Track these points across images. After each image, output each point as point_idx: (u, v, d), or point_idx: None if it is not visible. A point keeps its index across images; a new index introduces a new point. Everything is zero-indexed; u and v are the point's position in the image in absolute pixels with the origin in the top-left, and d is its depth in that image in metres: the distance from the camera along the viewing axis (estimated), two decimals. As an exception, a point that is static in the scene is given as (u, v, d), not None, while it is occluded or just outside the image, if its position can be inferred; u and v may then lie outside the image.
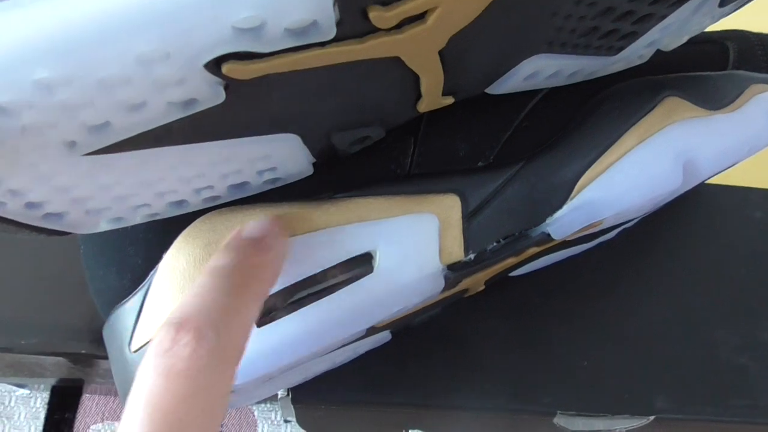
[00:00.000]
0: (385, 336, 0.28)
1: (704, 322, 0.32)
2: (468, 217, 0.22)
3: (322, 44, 0.15)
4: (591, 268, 0.32)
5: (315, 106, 0.18)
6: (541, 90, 0.23)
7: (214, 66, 0.14)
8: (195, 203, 0.21)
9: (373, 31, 0.15)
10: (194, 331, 0.16)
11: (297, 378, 0.27)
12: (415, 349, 0.29)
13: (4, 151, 0.14)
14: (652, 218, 0.32)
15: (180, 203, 0.21)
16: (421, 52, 0.17)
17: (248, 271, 0.18)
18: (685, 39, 0.24)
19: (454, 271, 0.21)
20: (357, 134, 0.20)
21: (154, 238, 0.22)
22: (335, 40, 0.15)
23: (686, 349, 0.32)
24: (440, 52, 0.17)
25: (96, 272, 0.23)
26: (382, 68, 0.17)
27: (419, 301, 0.22)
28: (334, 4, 0.14)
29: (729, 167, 0.25)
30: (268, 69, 0.15)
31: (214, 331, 0.16)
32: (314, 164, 0.22)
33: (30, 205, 0.17)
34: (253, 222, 0.20)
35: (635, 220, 0.31)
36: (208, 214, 0.22)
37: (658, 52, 0.24)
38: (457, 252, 0.22)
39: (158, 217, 0.21)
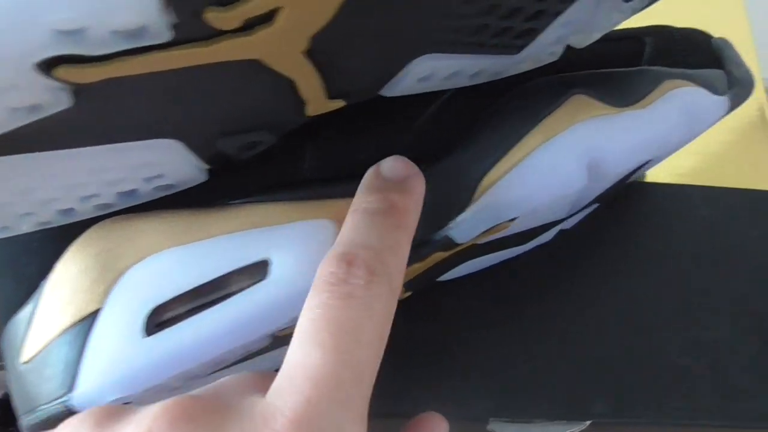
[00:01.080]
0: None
1: (646, 323, 0.32)
2: (368, 221, 0.21)
3: (162, 47, 0.14)
4: (527, 271, 0.31)
5: (184, 111, 0.17)
6: (446, 91, 0.22)
7: (46, 69, 0.14)
8: (84, 211, 0.20)
9: (218, 33, 0.15)
10: (366, 266, 0.17)
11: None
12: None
13: None
14: (593, 218, 0.32)
15: (68, 211, 0.20)
16: (281, 53, 0.16)
17: (400, 213, 0.19)
18: (596, 36, 0.23)
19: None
20: (244, 140, 0.20)
21: (48, 247, 0.22)
22: (175, 43, 0.14)
23: (626, 351, 0.31)
24: (308, 54, 0.17)
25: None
26: (244, 71, 0.16)
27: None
28: (162, 7, 0.13)
29: (643, 165, 0.24)
30: (109, 72, 0.14)
31: (382, 266, 0.17)
32: (209, 170, 0.21)
33: None
34: (390, 161, 0.20)
35: (571, 221, 0.31)
36: (101, 223, 0.21)
37: (572, 49, 0.24)
38: (356, 258, 0.21)
39: (49, 226, 0.21)
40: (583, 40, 0.23)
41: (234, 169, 0.21)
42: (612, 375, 0.31)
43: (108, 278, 0.21)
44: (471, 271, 0.30)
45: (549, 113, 0.22)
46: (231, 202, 0.21)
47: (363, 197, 0.19)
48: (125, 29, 0.13)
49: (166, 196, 0.21)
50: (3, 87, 0.14)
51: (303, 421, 0.14)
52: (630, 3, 0.22)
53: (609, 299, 0.32)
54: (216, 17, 0.14)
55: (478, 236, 0.22)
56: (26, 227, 0.20)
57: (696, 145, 0.32)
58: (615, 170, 0.22)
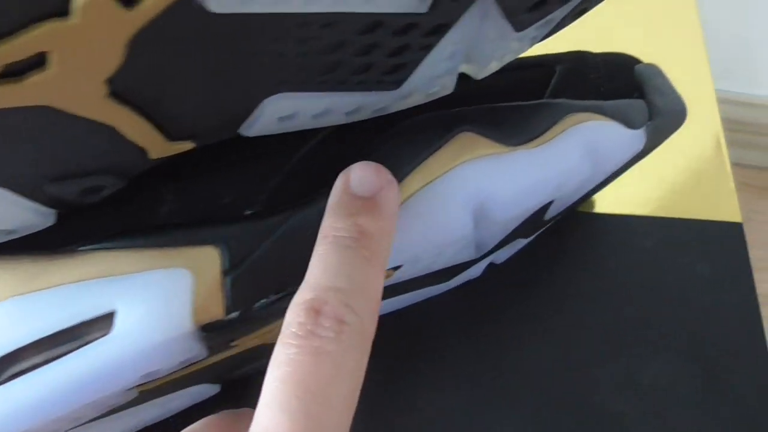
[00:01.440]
0: (209, 388, 0.26)
1: (578, 363, 0.30)
2: (231, 271, 0.19)
3: None
4: (454, 307, 0.29)
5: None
6: (323, 129, 0.21)
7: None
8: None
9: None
10: (334, 315, 0.16)
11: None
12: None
13: None
14: (528, 250, 0.30)
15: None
16: (76, 99, 0.14)
17: (371, 241, 0.18)
18: (494, 66, 0.21)
19: (212, 332, 0.19)
20: (82, 184, 0.18)
21: None
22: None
23: (559, 392, 0.29)
24: (114, 98, 0.15)
25: None
26: (40, 117, 0.15)
27: (174, 364, 0.19)
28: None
29: (545, 206, 0.22)
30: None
31: (353, 312, 0.16)
32: (58, 213, 0.19)
33: None
34: (359, 170, 0.18)
35: (502, 256, 0.29)
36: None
37: (470, 80, 0.22)
38: (215, 311, 0.19)
39: None
40: (479, 70, 0.22)
41: (85, 212, 0.20)
42: (543, 417, 0.29)
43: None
44: (392, 309, 0.28)
45: (431, 153, 0.20)
46: (80, 248, 0.19)
47: (331, 222, 0.18)
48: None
49: (12, 240, 0.19)
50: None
51: None
52: (525, 32, 0.20)
53: (539, 337, 0.30)
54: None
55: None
56: None
57: (645, 172, 0.30)
58: (505, 215, 0.20)
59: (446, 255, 0.21)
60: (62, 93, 0.14)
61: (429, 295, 0.29)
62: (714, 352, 0.30)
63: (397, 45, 0.17)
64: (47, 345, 0.19)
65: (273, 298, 0.20)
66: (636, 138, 0.23)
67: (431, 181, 0.20)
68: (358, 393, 0.16)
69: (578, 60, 0.24)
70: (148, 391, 0.22)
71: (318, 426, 0.15)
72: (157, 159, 0.18)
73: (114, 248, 0.19)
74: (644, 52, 0.26)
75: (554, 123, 0.21)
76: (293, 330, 0.16)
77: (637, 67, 0.25)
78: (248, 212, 0.20)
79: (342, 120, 0.20)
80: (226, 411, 0.20)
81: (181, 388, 0.23)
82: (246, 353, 0.23)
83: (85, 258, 0.19)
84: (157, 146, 0.18)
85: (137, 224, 0.20)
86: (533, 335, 0.30)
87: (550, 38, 0.21)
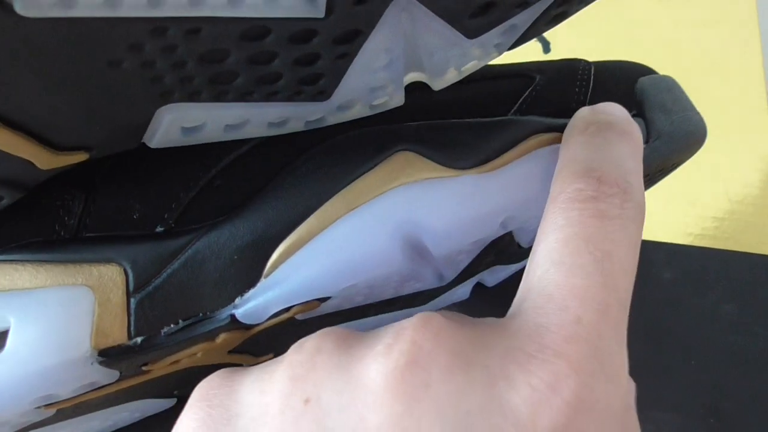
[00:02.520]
0: (160, 402, 0.25)
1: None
2: (136, 292, 0.18)
3: None
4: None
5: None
6: (248, 141, 0.19)
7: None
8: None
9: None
10: (618, 184, 0.15)
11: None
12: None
13: None
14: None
15: None
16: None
17: (637, 142, 0.17)
18: (452, 74, 0.19)
19: (111, 356, 0.18)
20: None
21: None
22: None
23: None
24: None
25: None
26: None
27: (74, 388, 0.18)
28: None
29: (495, 239, 0.19)
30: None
31: (632, 188, 0.16)
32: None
33: None
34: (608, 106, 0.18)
35: (492, 279, 0.26)
36: None
37: (430, 92, 0.19)
38: (118, 335, 0.18)
39: None
40: (435, 80, 0.19)
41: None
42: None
43: None
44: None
45: (362, 174, 0.18)
46: (-19, 258, 0.18)
47: (588, 116, 0.17)
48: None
49: None
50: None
51: (577, 340, 0.13)
52: (482, 39, 0.17)
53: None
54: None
55: (282, 315, 0.18)
56: None
57: (670, 194, 0.26)
58: (442, 250, 0.18)
59: (393, 286, 0.19)
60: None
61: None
62: (736, 407, 0.26)
63: (300, 53, 0.15)
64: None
65: (182, 324, 0.18)
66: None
67: (357, 207, 0.17)
68: (635, 270, 0.15)
69: (564, 69, 0.21)
70: (69, 408, 0.20)
71: (613, 285, 0.14)
72: (50, 170, 0.17)
73: (14, 261, 0.18)
74: (693, 57, 0.23)
75: (514, 144, 0.18)
76: (570, 195, 0.15)
77: (641, 80, 0.21)
78: (159, 229, 0.18)
79: (265, 132, 0.18)
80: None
81: (115, 404, 0.22)
82: (184, 372, 0.21)
83: (-16, 269, 0.18)
84: (43, 158, 0.16)
85: (40, 237, 0.18)
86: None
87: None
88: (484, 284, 0.26)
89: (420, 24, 0.16)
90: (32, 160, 0.16)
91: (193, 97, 0.16)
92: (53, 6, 0.12)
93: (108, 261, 0.18)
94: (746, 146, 0.31)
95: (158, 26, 0.13)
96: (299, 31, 0.14)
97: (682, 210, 0.30)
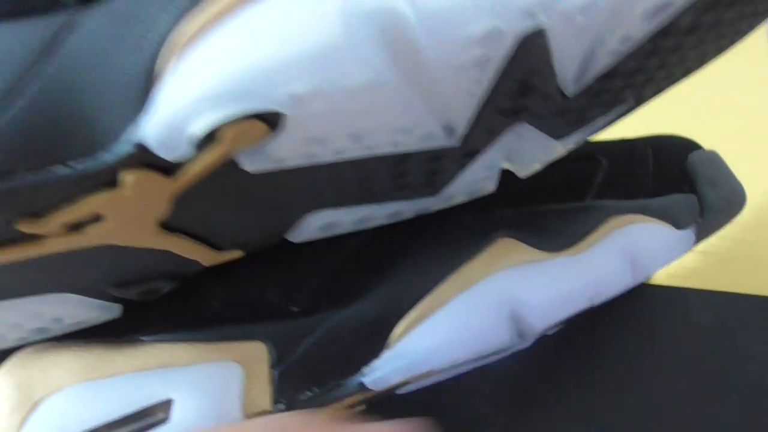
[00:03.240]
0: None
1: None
2: (277, 365, 0.21)
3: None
4: (498, 381, 0.29)
5: (61, 278, 0.18)
6: (367, 230, 0.22)
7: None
8: (3, 346, 0.21)
9: (43, 236, 0.15)
10: None
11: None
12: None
13: None
14: (577, 322, 0.30)
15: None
16: (132, 238, 0.16)
17: None
18: (537, 166, 0.22)
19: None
20: (140, 288, 0.20)
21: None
22: (6, 243, 0.14)
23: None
24: (165, 230, 0.16)
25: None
26: (104, 252, 0.16)
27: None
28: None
29: (571, 315, 0.22)
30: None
31: None
32: (123, 307, 0.21)
33: None
34: None
35: (553, 328, 0.29)
36: (23, 351, 0.22)
37: (513, 176, 0.22)
38: (263, 403, 0.21)
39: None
40: (522, 169, 0.22)
41: (147, 306, 0.21)
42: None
43: (24, 408, 0.21)
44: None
45: (469, 258, 0.21)
46: (142, 338, 0.21)
47: None
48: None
49: (84, 329, 0.22)
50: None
51: None
52: (567, 139, 0.21)
53: (586, 417, 0.30)
54: (30, 226, 0.14)
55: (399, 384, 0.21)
56: None
57: (703, 244, 0.29)
58: (543, 323, 0.21)
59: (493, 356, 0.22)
60: (118, 236, 0.15)
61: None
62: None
63: (429, 169, 0.18)
64: (115, 427, 0.20)
65: (317, 391, 0.21)
66: (684, 238, 0.22)
67: (468, 287, 0.20)
68: None
69: (625, 151, 0.24)
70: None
71: None
72: (209, 266, 0.20)
73: (172, 340, 0.21)
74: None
75: (595, 228, 0.21)
76: None
77: (690, 156, 0.24)
78: (294, 309, 0.21)
79: (384, 222, 0.21)
80: None
81: None
82: None
83: (147, 349, 0.21)
84: (208, 257, 0.19)
85: (193, 318, 0.21)
86: (570, 411, 0.29)
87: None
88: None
89: (524, 138, 0.19)
90: (198, 259, 0.19)
91: (337, 205, 0.19)
92: (272, 162, 0.15)
93: (252, 338, 0.21)
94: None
95: (337, 166, 0.16)
96: (434, 155, 0.18)
97: (715, 258, 0.33)
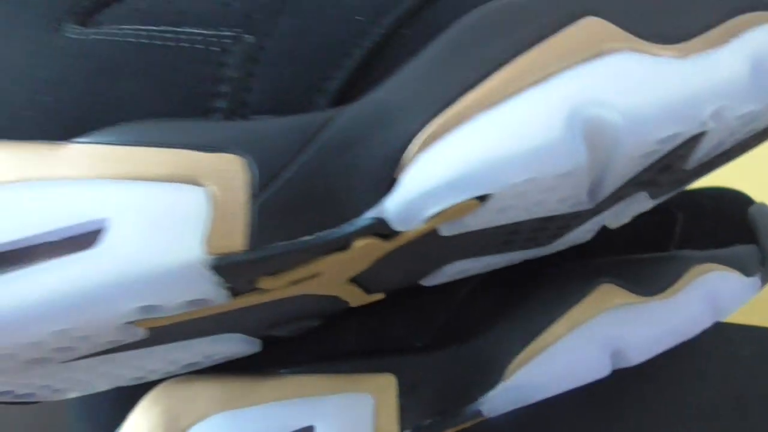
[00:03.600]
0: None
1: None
2: (404, 395, 0.23)
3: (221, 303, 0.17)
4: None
5: (242, 323, 0.20)
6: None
7: (128, 324, 0.16)
8: (153, 378, 0.23)
9: (268, 290, 0.17)
10: None
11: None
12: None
13: None
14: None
15: (139, 378, 0.23)
16: (326, 288, 0.18)
17: None
18: (627, 220, 0.25)
19: (382, 446, 0.23)
20: (295, 326, 0.22)
21: (122, 396, 0.25)
22: (234, 295, 0.17)
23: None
24: (350, 282, 0.19)
25: (72, 424, 0.25)
26: (295, 300, 0.19)
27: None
28: (221, 287, 0.16)
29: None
30: (176, 319, 0.17)
31: None
32: (262, 342, 0.24)
33: (2, 393, 0.20)
34: None
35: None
36: (168, 381, 0.24)
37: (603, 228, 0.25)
38: (391, 429, 0.23)
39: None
40: (617, 222, 0.25)
41: (285, 341, 0.24)
42: None
43: (172, 435, 0.23)
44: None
45: (577, 302, 0.23)
46: (281, 370, 0.24)
47: None
48: (191, 300, 0.16)
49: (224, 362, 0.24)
50: (96, 333, 0.17)
51: None
52: (657, 199, 0.24)
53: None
54: (266, 282, 0.16)
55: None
56: (103, 389, 0.23)
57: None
58: (637, 359, 0.24)
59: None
60: (320, 288, 0.18)
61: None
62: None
63: (560, 225, 0.21)
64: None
65: (438, 419, 0.24)
66: (751, 286, 0.26)
67: (576, 327, 0.23)
68: None
69: (694, 206, 0.27)
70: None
71: None
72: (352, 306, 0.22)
73: (309, 372, 0.23)
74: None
75: (680, 275, 0.24)
76: None
77: (750, 210, 0.28)
78: (418, 344, 0.24)
79: (498, 266, 0.24)
80: None
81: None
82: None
83: (287, 380, 0.23)
84: (358, 299, 0.22)
85: (327, 352, 0.24)
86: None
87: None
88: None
89: (636, 200, 0.22)
90: (349, 301, 0.22)
91: (475, 255, 0.22)
92: (461, 227, 0.17)
93: (382, 371, 0.23)
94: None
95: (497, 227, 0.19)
96: (572, 216, 0.20)
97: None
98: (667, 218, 0.27)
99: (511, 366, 0.23)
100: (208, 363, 0.23)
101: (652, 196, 0.23)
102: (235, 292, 0.16)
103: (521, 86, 0.15)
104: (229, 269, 0.15)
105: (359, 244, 0.16)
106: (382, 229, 0.15)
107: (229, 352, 0.23)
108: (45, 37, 0.17)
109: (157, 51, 0.16)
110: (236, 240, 0.15)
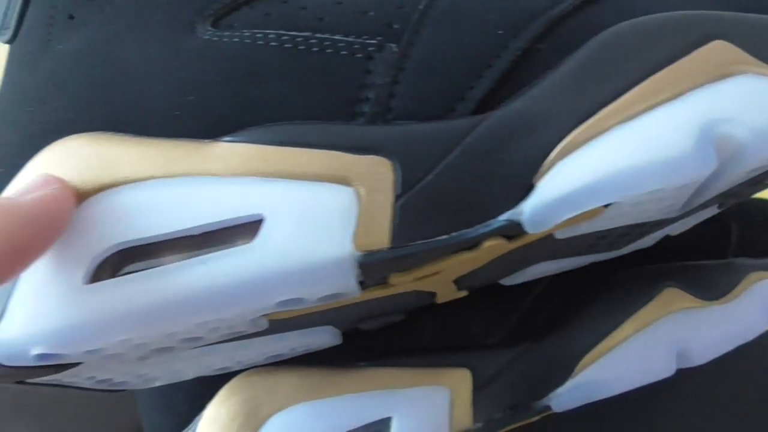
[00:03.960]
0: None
1: None
2: (478, 389, 0.24)
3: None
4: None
5: (346, 316, 0.21)
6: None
7: (262, 316, 0.17)
8: (236, 368, 0.24)
9: (393, 284, 0.18)
10: None
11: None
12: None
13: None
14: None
15: (224, 369, 0.24)
16: (434, 286, 0.19)
17: None
18: (690, 226, 0.26)
19: (456, 438, 0.24)
20: (384, 320, 0.23)
21: (199, 386, 0.25)
22: (362, 289, 0.18)
23: None
24: (455, 282, 0.20)
25: (147, 413, 0.26)
26: (404, 295, 0.20)
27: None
28: (359, 285, 0.16)
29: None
30: (299, 312, 0.18)
31: None
32: (343, 335, 0.25)
33: (101, 381, 0.21)
34: None
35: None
36: (248, 372, 0.25)
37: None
38: (466, 422, 0.24)
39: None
40: (680, 230, 0.26)
41: (364, 334, 0.25)
42: None
43: (253, 424, 0.24)
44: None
45: (643, 305, 0.25)
46: (359, 363, 0.24)
47: None
48: (329, 294, 0.17)
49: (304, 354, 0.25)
50: (230, 324, 0.17)
51: None
52: (720, 208, 0.25)
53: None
54: (396, 279, 0.17)
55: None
56: (190, 377, 0.24)
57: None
58: (699, 361, 0.25)
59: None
60: (431, 285, 0.19)
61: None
62: None
63: (641, 232, 0.22)
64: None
65: (508, 412, 0.25)
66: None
67: (643, 328, 0.24)
68: None
69: (747, 217, 0.29)
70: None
71: None
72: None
73: (387, 365, 0.24)
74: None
75: (738, 282, 0.26)
76: None
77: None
78: (491, 341, 0.25)
79: (573, 268, 0.25)
80: None
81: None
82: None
83: (365, 372, 0.24)
84: (448, 295, 0.23)
85: (404, 346, 0.25)
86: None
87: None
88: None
89: (706, 211, 0.23)
90: (439, 296, 0.23)
91: (562, 256, 0.23)
92: (574, 231, 0.18)
93: (458, 365, 0.24)
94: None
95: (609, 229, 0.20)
96: (658, 223, 0.22)
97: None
98: (722, 227, 0.28)
99: (581, 364, 0.25)
100: (290, 355, 0.24)
101: (720, 207, 0.24)
102: (364, 287, 0.17)
103: (655, 102, 0.16)
104: (371, 265, 0.16)
105: (487, 244, 0.17)
106: (512, 231, 0.16)
107: (314, 345, 0.23)
108: (180, 38, 0.17)
109: (303, 56, 0.17)
110: (382, 238, 0.16)
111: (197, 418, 0.25)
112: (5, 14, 0.20)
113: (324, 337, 0.23)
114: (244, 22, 0.17)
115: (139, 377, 0.22)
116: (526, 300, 0.25)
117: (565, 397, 0.25)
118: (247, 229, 0.16)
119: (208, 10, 0.18)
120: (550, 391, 0.25)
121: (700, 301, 0.25)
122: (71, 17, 0.19)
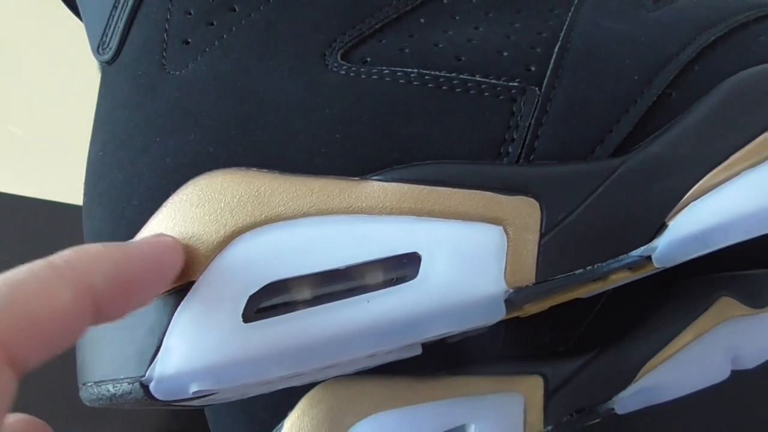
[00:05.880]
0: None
1: None
2: (549, 395, 0.26)
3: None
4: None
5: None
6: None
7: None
8: (321, 379, 0.25)
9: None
10: None
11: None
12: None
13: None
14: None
15: (312, 380, 0.24)
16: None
17: None
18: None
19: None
20: (468, 334, 0.24)
21: (280, 395, 0.26)
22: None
23: None
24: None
25: (221, 419, 0.26)
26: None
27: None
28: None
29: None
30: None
31: None
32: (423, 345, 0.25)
33: (203, 399, 0.21)
34: None
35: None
36: (328, 382, 0.25)
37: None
38: (538, 426, 0.26)
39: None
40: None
41: (441, 344, 0.26)
42: None
43: (337, 432, 0.25)
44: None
45: (700, 314, 0.26)
46: (437, 372, 0.25)
47: None
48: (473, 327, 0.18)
49: (388, 365, 0.25)
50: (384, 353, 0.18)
51: None
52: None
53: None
54: (530, 308, 0.18)
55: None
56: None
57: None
58: (751, 365, 0.27)
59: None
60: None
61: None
62: None
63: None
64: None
65: (576, 416, 0.26)
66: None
67: (700, 336, 0.26)
68: None
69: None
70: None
71: None
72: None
73: (465, 374, 0.25)
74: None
75: (780, 292, 0.28)
76: None
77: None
78: (561, 349, 0.26)
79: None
80: None
81: None
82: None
83: (444, 381, 0.25)
84: (536, 310, 0.24)
85: (479, 356, 0.26)
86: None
87: None
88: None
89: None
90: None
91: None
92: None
93: (530, 373, 0.26)
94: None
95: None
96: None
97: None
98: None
99: (644, 369, 0.26)
100: (372, 366, 0.25)
101: None
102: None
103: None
104: (517, 300, 0.17)
105: (615, 276, 0.18)
106: (640, 265, 0.17)
107: (396, 358, 0.24)
108: (314, 70, 0.18)
109: (447, 95, 0.17)
110: (529, 275, 0.17)
111: (279, 426, 0.25)
112: (104, 32, 0.20)
113: (407, 351, 0.24)
114: (379, 58, 0.18)
115: (243, 395, 0.22)
116: (593, 310, 0.27)
117: (628, 400, 0.26)
118: (409, 268, 0.17)
119: (337, 42, 0.18)
120: (615, 395, 0.26)
121: (751, 309, 0.27)
122: (186, 42, 0.19)
